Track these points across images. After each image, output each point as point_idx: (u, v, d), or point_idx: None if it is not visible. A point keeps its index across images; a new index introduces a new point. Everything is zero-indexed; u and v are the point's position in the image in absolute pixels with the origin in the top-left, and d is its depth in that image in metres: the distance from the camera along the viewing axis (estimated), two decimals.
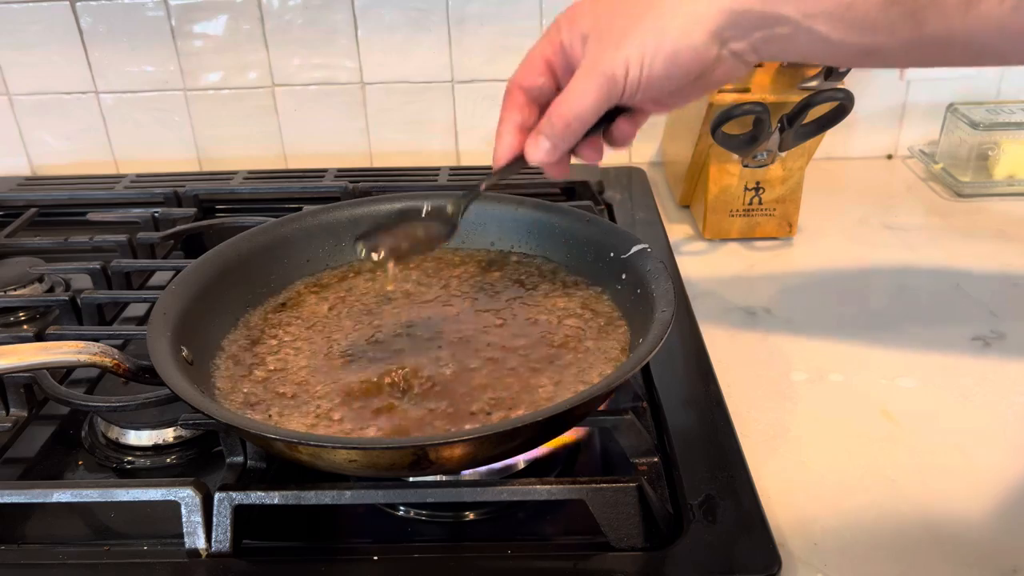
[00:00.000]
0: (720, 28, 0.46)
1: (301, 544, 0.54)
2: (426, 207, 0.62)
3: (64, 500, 0.53)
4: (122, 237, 0.86)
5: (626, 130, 0.56)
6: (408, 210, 0.67)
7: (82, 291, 0.76)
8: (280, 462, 0.57)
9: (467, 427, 0.52)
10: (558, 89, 0.53)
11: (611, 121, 0.55)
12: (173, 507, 0.52)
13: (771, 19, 0.45)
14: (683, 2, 0.47)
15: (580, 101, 0.50)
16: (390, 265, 0.60)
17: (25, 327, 0.77)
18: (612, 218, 0.91)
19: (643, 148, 1.09)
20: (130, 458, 0.62)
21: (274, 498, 0.52)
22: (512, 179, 0.98)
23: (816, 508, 0.55)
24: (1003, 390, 0.66)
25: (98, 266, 0.80)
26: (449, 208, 0.60)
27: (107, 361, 0.54)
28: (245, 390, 0.57)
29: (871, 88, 1.05)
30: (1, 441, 0.62)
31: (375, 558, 0.51)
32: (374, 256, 0.59)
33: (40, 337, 0.67)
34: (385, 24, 1.02)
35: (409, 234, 0.61)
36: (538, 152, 0.53)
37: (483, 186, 0.58)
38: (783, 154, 0.83)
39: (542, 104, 0.54)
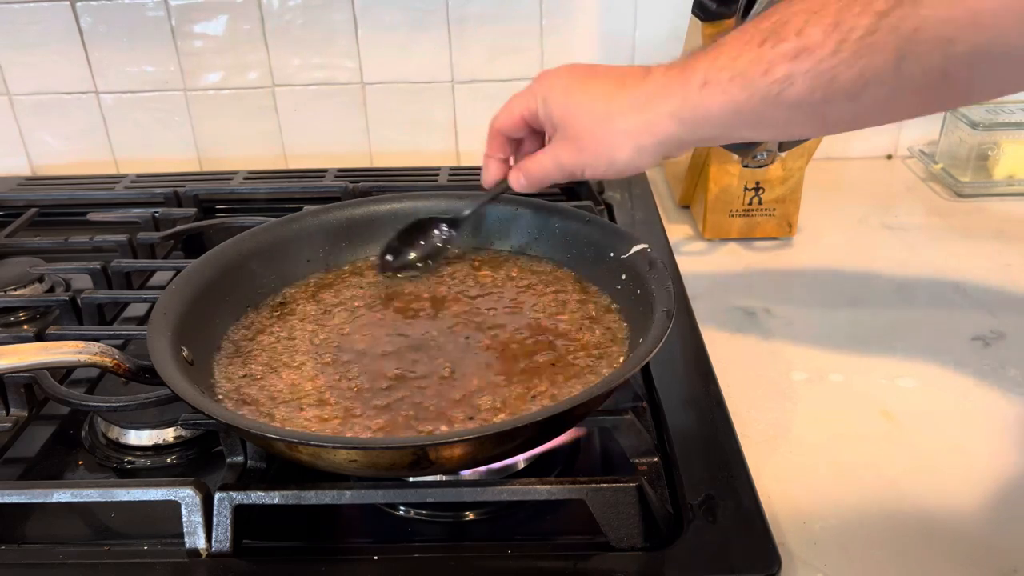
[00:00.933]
0: (662, 151, 0.57)
1: (301, 544, 0.54)
2: (439, 219, 0.71)
3: (64, 500, 0.53)
4: (122, 237, 0.86)
5: None
6: (423, 221, 0.71)
7: (82, 291, 0.76)
8: (280, 462, 0.57)
9: (467, 427, 0.52)
10: (533, 131, 0.65)
11: None
12: (173, 507, 0.52)
13: (701, 139, 0.56)
14: (627, 137, 0.56)
15: (547, 174, 0.62)
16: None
17: (25, 327, 0.77)
18: (612, 218, 0.91)
19: None
20: (130, 458, 0.62)
21: (274, 498, 0.52)
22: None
23: (816, 508, 0.55)
24: (1003, 390, 0.66)
25: (98, 266, 0.80)
26: (465, 211, 0.70)
27: (107, 361, 0.54)
28: (245, 390, 0.57)
29: None
30: (1, 441, 0.62)
31: (375, 558, 0.51)
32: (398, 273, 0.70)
33: (40, 337, 0.67)
34: (385, 24, 1.02)
35: (425, 243, 0.71)
36: (518, 185, 0.65)
37: (487, 199, 0.69)
38: (783, 154, 0.83)
39: (519, 141, 0.66)
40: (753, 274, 0.84)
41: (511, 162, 0.67)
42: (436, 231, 0.71)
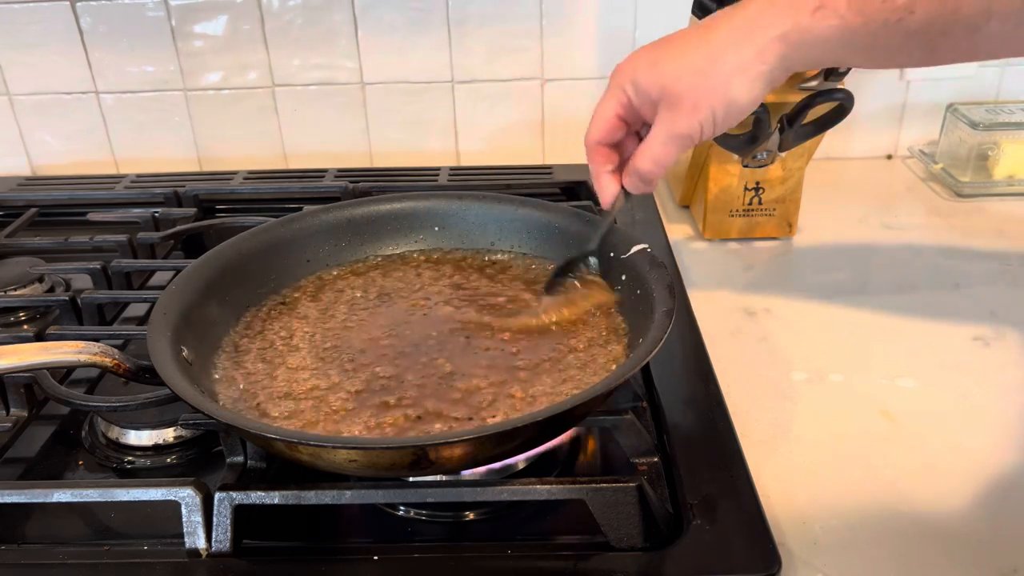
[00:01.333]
0: (773, 80, 0.54)
1: (301, 544, 0.54)
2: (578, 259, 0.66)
3: (64, 500, 0.53)
4: (122, 237, 0.86)
5: None
6: (565, 266, 0.67)
7: (82, 291, 0.76)
8: (280, 462, 0.57)
9: (466, 427, 0.52)
10: (630, 132, 0.61)
11: None
12: (173, 507, 0.52)
13: (811, 64, 0.54)
14: (737, 68, 0.53)
15: (664, 155, 0.58)
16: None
17: (25, 327, 0.77)
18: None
19: None
20: (130, 458, 0.62)
21: (274, 498, 0.52)
22: (512, 180, 0.99)
23: (816, 508, 0.55)
24: (1003, 390, 0.66)
25: (98, 266, 0.80)
26: (592, 245, 0.66)
27: (107, 361, 0.54)
28: (245, 390, 0.57)
29: (871, 88, 1.05)
30: (1, 441, 0.62)
31: (375, 558, 0.51)
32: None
33: (40, 337, 0.67)
34: (385, 24, 1.02)
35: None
36: (637, 186, 0.61)
37: (609, 220, 0.65)
38: (783, 154, 0.83)
39: (620, 147, 0.62)
40: (753, 274, 0.84)
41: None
42: (583, 267, 0.66)
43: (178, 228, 0.89)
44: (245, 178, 1.02)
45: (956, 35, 0.47)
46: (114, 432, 0.63)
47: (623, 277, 0.64)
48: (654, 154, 0.58)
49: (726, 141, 0.79)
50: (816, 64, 0.55)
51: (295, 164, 1.10)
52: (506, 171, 1.01)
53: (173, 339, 0.56)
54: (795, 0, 0.51)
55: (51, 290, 0.82)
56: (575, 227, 0.69)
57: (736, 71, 0.53)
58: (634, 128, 0.61)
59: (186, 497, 0.52)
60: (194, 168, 1.11)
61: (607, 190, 0.62)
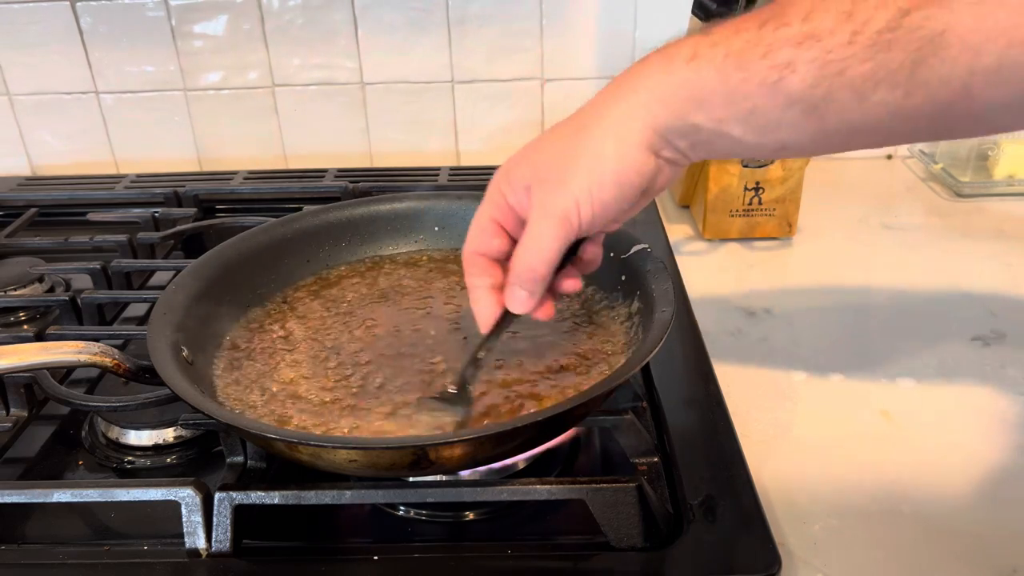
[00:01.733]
0: (650, 143, 0.48)
1: (301, 544, 0.54)
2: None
3: (64, 500, 0.53)
4: (122, 237, 0.86)
5: (593, 251, 0.56)
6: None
7: (82, 291, 0.76)
8: (280, 462, 0.57)
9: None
10: (514, 243, 0.53)
11: (574, 252, 0.54)
12: (173, 507, 0.52)
13: (688, 129, 0.47)
14: (608, 132, 0.48)
15: (541, 247, 0.50)
16: None
17: (25, 327, 0.77)
18: None
19: None
20: (130, 458, 0.62)
21: (274, 498, 0.52)
22: None
23: (816, 508, 0.55)
24: (1003, 390, 0.66)
25: (98, 266, 0.80)
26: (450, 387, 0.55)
27: (107, 361, 0.54)
28: (245, 390, 0.57)
29: None
30: (1, 441, 0.62)
31: (375, 558, 0.51)
32: None
33: (40, 337, 0.67)
34: (385, 24, 1.02)
35: None
36: (518, 304, 0.53)
37: (481, 352, 0.55)
38: None
39: (503, 261, 0.54)
40: (753, 274, 0.84)
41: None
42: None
43: (178, 228, 0.89)
44: (245, 178, 1.02)
45: (843, 102, 0.43)
46: (114, 432, 0.63)
47: (623, 277, 0.64)
48: (529, 246, 0.51)
49: None
50: (699, 133, 0.47)
51: (295, 164, 1.10)
52: None
53: (173, 339, 0.56)
54: (669, 54, 0.47)
55: (51, 290, 0.82)
56: None
57: (605, 135, 0.48)
58: (514, 235, 0.53)
59: (186, 497, 0.52)
60: (194, 168, 1.11)
61: (485, 310, 0.54)
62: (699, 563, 0.49)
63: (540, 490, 0.52)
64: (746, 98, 0.45)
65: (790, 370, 0.69)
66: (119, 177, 1.04)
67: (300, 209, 0.75)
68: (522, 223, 0.52)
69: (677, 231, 0.92)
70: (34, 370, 0.61)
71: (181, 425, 0.59)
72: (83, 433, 0.64)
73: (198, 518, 0.52)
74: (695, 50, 0.46)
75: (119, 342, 0.68)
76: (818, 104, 0.44)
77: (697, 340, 0.69)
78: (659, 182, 0.50)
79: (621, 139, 0.48)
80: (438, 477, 0.53)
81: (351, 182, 0.97)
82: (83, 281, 0.83)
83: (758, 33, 0.44)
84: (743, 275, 0.84)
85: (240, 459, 0.57)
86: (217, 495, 0.52)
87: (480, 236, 0.54)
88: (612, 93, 0.49)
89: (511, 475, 0.57)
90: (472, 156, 1.09)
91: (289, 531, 0.55)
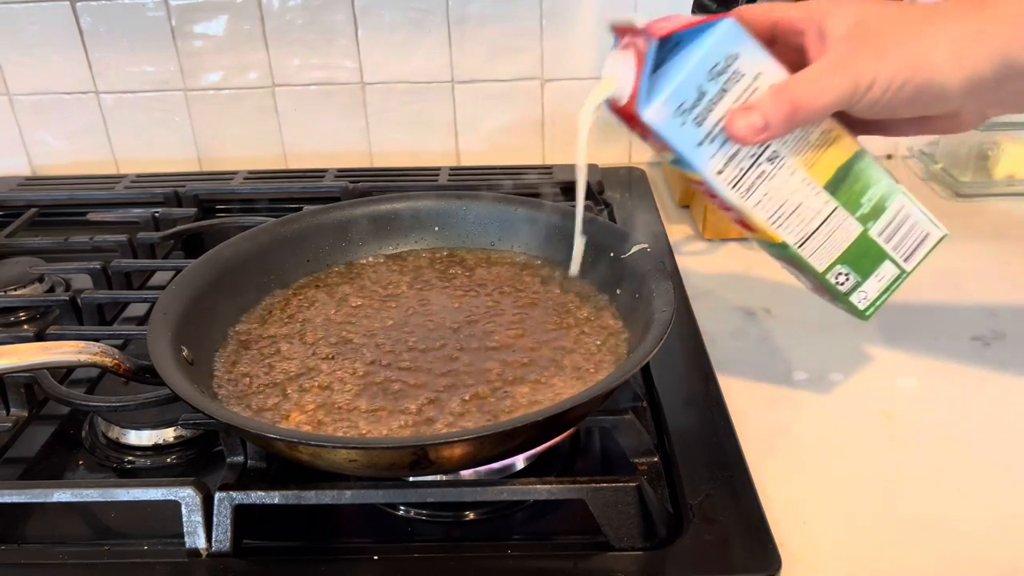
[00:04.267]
0: (980, 76, 0.45)
1: (301, 544, 0.54)
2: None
3: (64, 500, 0.53)
4: (122, 237, 0.86)
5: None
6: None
7: (82, 291, 0.76)
8: (280, 462, 0.57)
9: (466, 427, 0.52)
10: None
11: None
12: (173, 507, 0.52)
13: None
14: (953, 39, 0.45)
15: (820, 95, 0.46)
16: None
17: (25, 327, 0.77)
18: (612, 218, 0.91)
19: (643, 148, 1.09)
20: (130, 458, 0.62)
21: (274, 498, 0.52)
22: (512, 179, 0.99)
23: (816, 508, 0.55)
24: (1003, 390, 0.66)
25: (98, 266, 0.80)
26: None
27: (107, 361, 0.54)
28: (245, 389, 0.57)
29: None
30: (1, 441, 0.62)
31: (375, 558, 0.51)
32: None
33: (40, 337, 0.67)
34: (385, 24, 1.02)
35: None
36: (745, 127, 0.47)
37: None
38: None
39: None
40: (753, 274, 0.84)
41: None
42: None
43: (178, 228, 0.89)
44: (245, 178, 1.02)
45: None
46: (114, 432, 0.63)
47: (623, 277, 0.64)
48: (809, 87, 0.45)
49: None
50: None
51: (295, 164, 1.10)
52: (506, 171, 1.01)
53: (173, 339, 0.56)
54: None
55: (51, 290, 0.82)
56: (574, 227, 0.69)
57: (945, 37, 0.44)
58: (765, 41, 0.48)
59: (186, 497, 0.52)
60: (194, 168, 1.11)
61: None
62: (699, 563, 0.49)
63: (540, 490, 0.52)
64: None
65: (790, 370, 0.69)
66: (119, 177, 1.04)
67: (300, 209, 0.75)
68: (789, 45, 0.48)
69: (677, 231, 0.92)
70: (34, 370, 0.61)
71: (181, 425, 0.59)
72: (83, 433, 0.64)
73: (198, 518, 0.52)
74: None
75: (119, 342, 0.68)
76: None
77: (697, 340, 0.69)
78: (944, 124, 0.49)
79: (957, 53, 0.45)
80: (438, 477, 0.53)
81: (351, 182, 0.97)
82: (83, 281, 0.83)
83: None
84: (743, 275, 0.84)
85: (240, 459, 0.57)
86: (217, 495, 0.52)
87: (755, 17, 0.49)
88: (971, 3, 0.45)
89: (511, 475, 0.57)
90: (472, 156, 1.09)
91: (289, 531, 0.55)
